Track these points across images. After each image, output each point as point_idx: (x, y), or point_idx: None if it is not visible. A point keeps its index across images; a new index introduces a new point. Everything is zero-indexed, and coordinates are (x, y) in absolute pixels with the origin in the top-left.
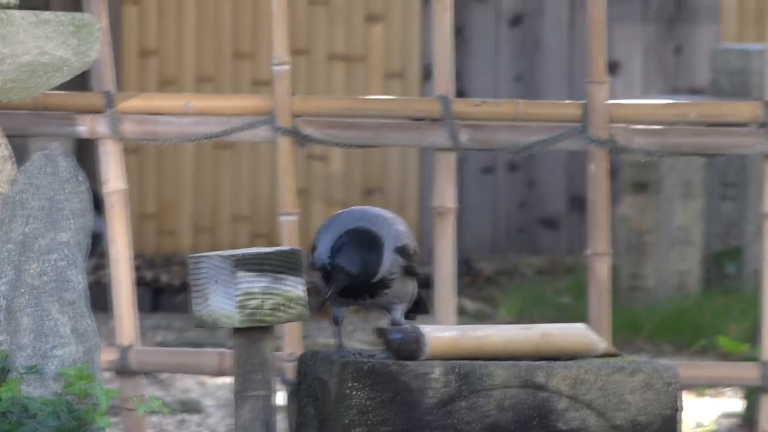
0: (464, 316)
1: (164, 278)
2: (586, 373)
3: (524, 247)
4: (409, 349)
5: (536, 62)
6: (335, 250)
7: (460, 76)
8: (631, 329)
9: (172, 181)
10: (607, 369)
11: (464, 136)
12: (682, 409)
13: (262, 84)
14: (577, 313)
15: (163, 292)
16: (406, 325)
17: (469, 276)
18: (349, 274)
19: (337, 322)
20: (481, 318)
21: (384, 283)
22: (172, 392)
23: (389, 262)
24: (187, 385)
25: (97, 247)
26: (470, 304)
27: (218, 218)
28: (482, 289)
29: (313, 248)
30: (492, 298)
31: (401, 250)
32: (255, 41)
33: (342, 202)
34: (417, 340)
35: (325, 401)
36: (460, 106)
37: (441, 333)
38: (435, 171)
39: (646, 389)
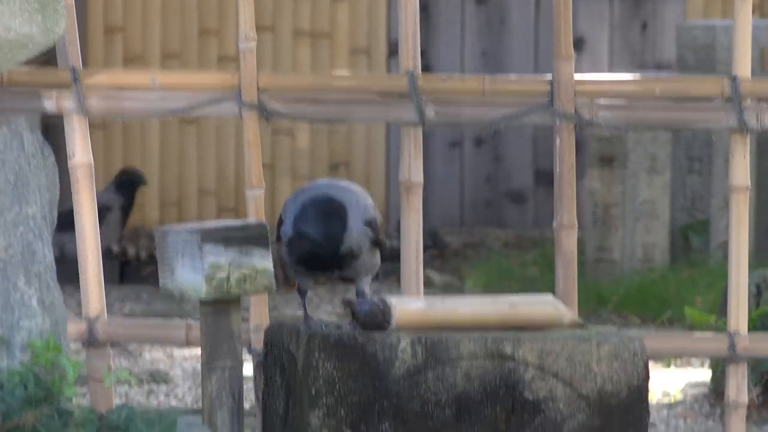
0: (431, 288)
1: (131, 251)
2: (553, 343)
3: (491, 221)
4: (376, 320)
5: (502, 38)
6: (298, 218)
7: (425, 52)
8: (598, 301)
9: (138, 155)
10: (574, 340)
11: (431, 112)
12: (649, 379)
13: (228, 60)
14: (544, 286)
15: (131, 265)
16: (374, 296)
17: (436, 249)
18: (313, 240)
19: (303, 294)
20: (448, 290)
21: (353, 255)
22: (140, 363)
23: (358, 234)
24: (154, 356)
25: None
26: (437, 277)
27: (185, 192)
28: (449, 263)
29: (280, 222)
30: (459, 271)
31: (370, 223)
32: (221, 18)
33: (308, 176)
34: (384, 311)
35: (293, 372)
36: (427, 81)
37: (408, 305)
38: (402, 146)
39: (613, 360)
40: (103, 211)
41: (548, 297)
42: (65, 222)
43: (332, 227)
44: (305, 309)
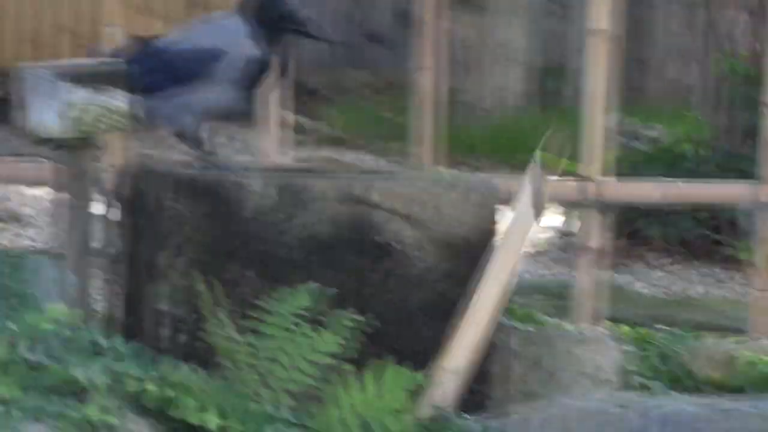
0: (288, 130)
1: None
2: (404, 186)
3: (352, 61)
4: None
5: None
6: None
7: None
8: (454, 143)
9: None
10: (426, 182)
11: None
12: (497, 222)
13: None
14: (400, 128)
15: None
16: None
17: (298, 90)
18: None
19: (187, 137)
20: (308, 132)
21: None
22: None
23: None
24: (9, 195)
25: None
26: (299, 118)
27: (41, 30)
28: (311, 103)
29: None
30: (320, 112)
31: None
32: None
33: (164, 16)
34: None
35: (143, 212)
36: None
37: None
38: None
39: (465, 202)
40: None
41: None
42: None
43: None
44: (202, 148)
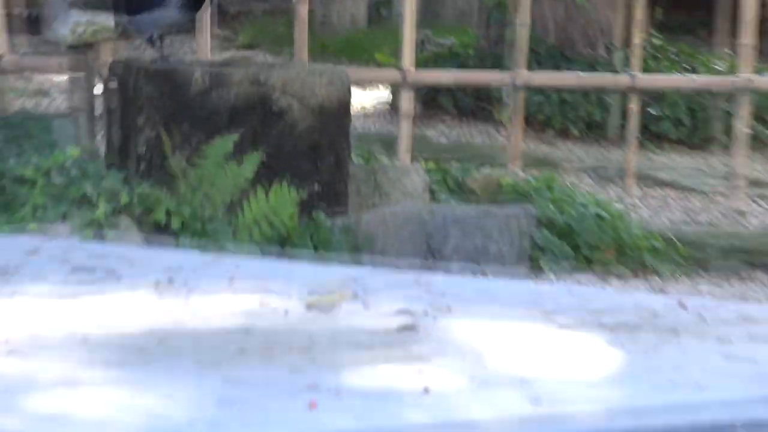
0: (216, 39)
1: (27, 12)
2: (292, 74)
3: None
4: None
5: None
6: None
7: None
8: (321, 50)
9: None
10: (305, 72)
11: None
12: (351, 97)
13: None
14: (288, 39)
15: (26, 21)
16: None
17: (221, 14)
18: None
19: (153, 42)
20: (227, 40)
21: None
22: (31, 85)
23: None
24: (41, 79)
25: None
26: (221, 32)
27: None
28: (229, 23)
29: None
30: (235, 28)
31: None
32: None
33: None
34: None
35: (126, 90)
36: None
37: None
38: None
39: (329, 84)
40: None
41: None
42: None
43: None
44: (161, 50)
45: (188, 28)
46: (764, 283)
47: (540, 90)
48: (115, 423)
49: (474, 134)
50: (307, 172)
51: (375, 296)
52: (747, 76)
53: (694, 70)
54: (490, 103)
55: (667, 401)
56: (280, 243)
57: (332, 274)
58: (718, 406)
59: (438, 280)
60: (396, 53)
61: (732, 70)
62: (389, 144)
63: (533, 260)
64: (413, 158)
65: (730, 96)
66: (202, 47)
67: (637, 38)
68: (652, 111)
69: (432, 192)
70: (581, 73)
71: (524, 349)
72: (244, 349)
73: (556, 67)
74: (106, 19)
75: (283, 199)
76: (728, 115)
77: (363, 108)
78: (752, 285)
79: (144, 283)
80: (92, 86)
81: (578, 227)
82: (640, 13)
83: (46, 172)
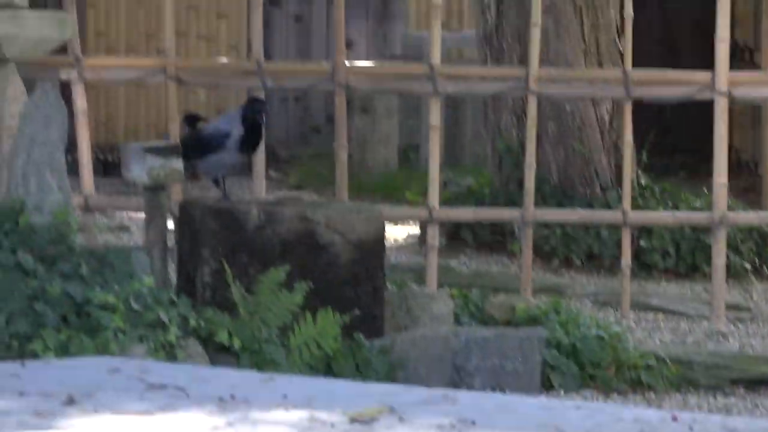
0: (269, 180)
1: (110, 158)
2: (335, 212)
3: (303, 143)
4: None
5: (309, 41)
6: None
7: (267, 48)
8: (359, 190)
9: (113, 104)
10: (346, 210)
11: (269, 82)
12: (385, 232)
13: (161, 51)
14: (331, 180)
15: (109, 165)
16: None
17: (274, 158)
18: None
19: (217, 182)
20: (279, 182)
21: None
22: (113, 220)
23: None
24: (121, 216)
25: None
26: (274, 174)
27: (140, 126)
28: (281, 165)
29: (199, 140)
30: (286, 170)
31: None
32: (157, 26)
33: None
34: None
35: (193, 226)
36: (268, 65)
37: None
38: None
39: (367, 221)
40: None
41: None
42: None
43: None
44: (224, 191)
45: (246, 171)
46: (745, 397)
47: (546, 224)
48: None
49: (491, 264)
50: (348, 299)
51: (409, 410)
52: (721, 212)
53: (676, 207)
54: (504, 237)
55: None
56: (326, 362)
57: (371, 390)
58: None
59: (463, 396)
60: (423, 192)
61: (708, 206)
62: (419, 273)
63: (544, 376)
64: (439, 286)
65: (708, 229)
66: (258, 188)
67: (627, 179)
68: (643, 243)
69: (456, 316)
70: (580, 210)
71: None
72: None
73: (559, 205)
74: (177, 163)
75: (328, 323)
76: (708, 247)
77: (395, 240)
78: (734, 399)
79: (209, 399)
80: (165, 222)
81: (582, 347)
82: (628, 157)
83: (125, 300)
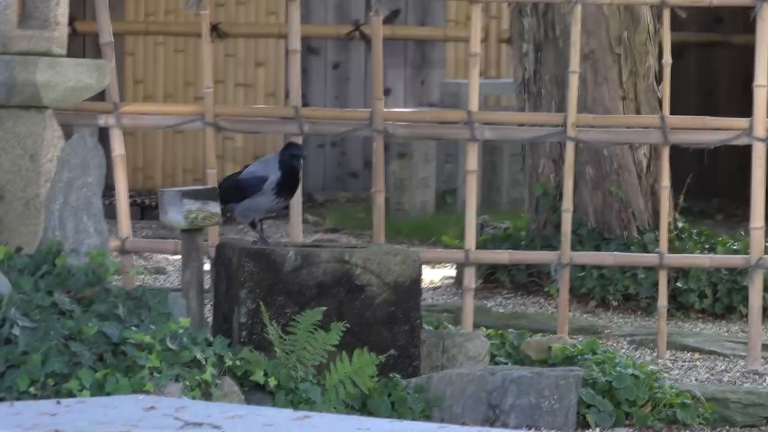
0: (306, 224)
1: (147, 201)
2: (371, 254)
3: (340, 187)
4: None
5: (347, 88)
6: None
7: (305, 95)
8: (395, 233)
9: (150, 150)
10: (382, 252)
11: (307, 127)
12: (421, 274)
13: (199, 98)
14: (367, 223)
15: (146, 209)
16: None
17: (310, 202)
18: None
19: (254, 226)
20: (316, 225)
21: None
22: (150, 263)
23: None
24: (158, 259)
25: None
26: (311, 217)
27: (176, 171)
28: (317, 209)
29: (235, 189)
30: (322, 214)
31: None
32: (196, 74)
33: (242, 161)
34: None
35: (230, 268)
36: (305, 111)
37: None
38: None
39: (403, 263)
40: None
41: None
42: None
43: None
44: (261, 233)
45: (283, 214)
46: None
47: (582, 266)
48: None
49: (527, 305)
50: (384, 339)
51: None
52: (758, 255)
53: (713, 249)
54: (541, 278)
55: None
56: (362, 401)
57: (406, 428)
58: None
59: None
60: (460, 235)
61: (745, 249)
62: (455, 314)
63: (580, 415)
64: (475, 326)
65: (745, 271)
66: (295, 230)
67: (664, 222)
68: (679, 284)
69: (492, 356)
70: (617, 253)
71: None
72: None
73: (596, 247)
74: (214, 207)
75: (364, 362)
76: (745, 288)
77: (432, 282)
78: None
79: None
80: (202, 265)
81: (618, 386)
82: (666, 201)
83: (161, 339)
